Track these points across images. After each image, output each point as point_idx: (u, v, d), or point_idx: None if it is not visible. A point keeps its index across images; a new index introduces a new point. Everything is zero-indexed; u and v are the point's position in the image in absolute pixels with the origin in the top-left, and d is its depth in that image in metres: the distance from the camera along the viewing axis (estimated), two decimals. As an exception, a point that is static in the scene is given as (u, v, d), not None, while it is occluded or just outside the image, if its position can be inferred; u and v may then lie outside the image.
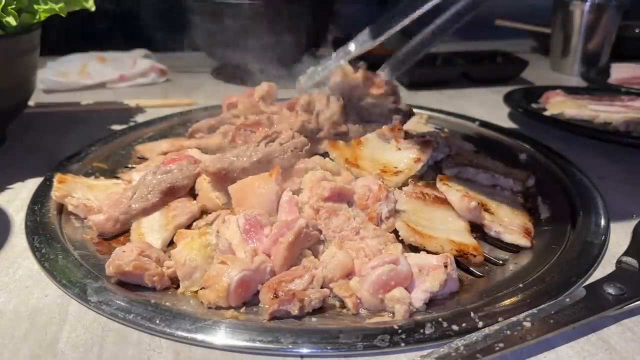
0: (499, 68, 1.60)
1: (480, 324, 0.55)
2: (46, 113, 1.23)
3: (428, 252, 0.66)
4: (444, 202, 0.77)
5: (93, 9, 1.01)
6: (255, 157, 0.77)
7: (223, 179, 0.76)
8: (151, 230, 0.72)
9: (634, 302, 0.58)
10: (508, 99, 1.27)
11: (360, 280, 0.59)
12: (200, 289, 0.60)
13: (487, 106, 1.33)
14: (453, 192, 0.77)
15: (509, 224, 0.75)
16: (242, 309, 0.58)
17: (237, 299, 0.58)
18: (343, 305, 0.60)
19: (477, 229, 0.75)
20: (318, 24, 1.53)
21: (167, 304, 0.59)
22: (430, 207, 0.75)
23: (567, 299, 0.57)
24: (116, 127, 1.13)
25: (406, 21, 0.91)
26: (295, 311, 0.56)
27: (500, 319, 0.55)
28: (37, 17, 0.93)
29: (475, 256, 0.67)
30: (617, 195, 0.85)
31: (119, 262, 0.61)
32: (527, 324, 0.53)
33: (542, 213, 0.81)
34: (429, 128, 1.10)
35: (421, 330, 0.54)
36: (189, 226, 0.74)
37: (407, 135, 0.92)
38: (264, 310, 0.57)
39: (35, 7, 0.92)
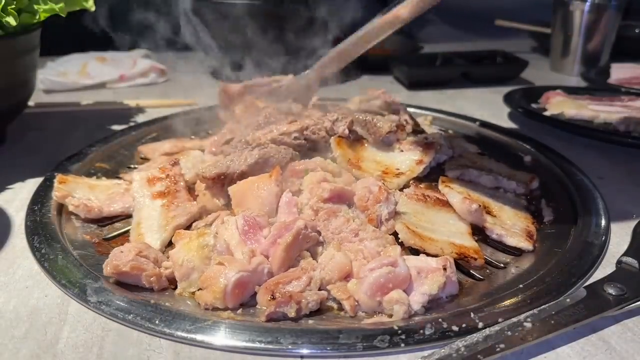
0: (499, 68, 1.60)
1: (481, 324, 0.55)
2: (46, 113, 1.22)
3: (428, 254, 0.65)
4: (445, 204, 0.77)
5: (93, 9, 1.01)
6: (252, 160, 0.76)
7: (220, 183, 0.76)
8: (150, 231, 0.72)
9: (634, 302, 0.58)
10: (508, 99, 1.27)
11: (357, 283, 0.59)
12: (198, 289, 0.60)
13: (487, 106, 1.33)
14: (454, 194, 0.76)
15: (511, 226, 0.74)
16: (239, 311, 0.58)
17: (234, 300, 0.58)
18: (341, 308, 0.59)
19: (479, 231, 0.74)
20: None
21: (167, 304, 0.59)
22: (431, 210, 0.75)
23: (568, 300, 0.57)
24: (116, 127, 1.13)
25: None
26: (292, 313, 0.56)
27: (500, 319, 0.55)
28: (37, 17, 0.93)
29: (476, 259, 0.67)
30: (617, 195, 0.85)
31: (116, 263, 0.61)
32: (528, 325, 0.53)
33: (545, 216, 0.80)
34: (434, 129, 1.09)
35: (421, 331, 0.54)
36: (188, 227, 0.73)
37: (410, 137, 0.91)
38: (261, 312, 0.57)
39: (35, 7, 0.92)
